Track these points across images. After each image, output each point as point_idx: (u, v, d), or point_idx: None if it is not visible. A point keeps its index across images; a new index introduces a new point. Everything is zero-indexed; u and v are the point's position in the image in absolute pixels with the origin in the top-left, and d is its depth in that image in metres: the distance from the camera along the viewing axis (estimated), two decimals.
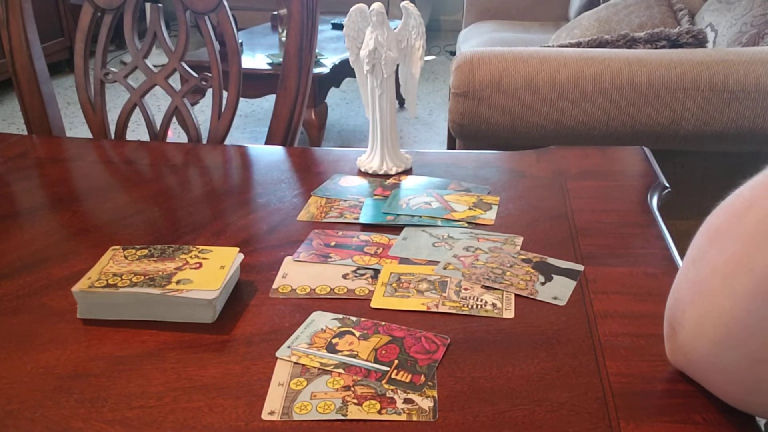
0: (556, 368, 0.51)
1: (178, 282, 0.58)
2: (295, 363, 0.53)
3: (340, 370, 0.51)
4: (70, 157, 0.99)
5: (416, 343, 0.54)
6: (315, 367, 0.52)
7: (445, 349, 0.54)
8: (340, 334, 0.56)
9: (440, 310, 0.59)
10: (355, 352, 0.53)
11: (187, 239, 0.72)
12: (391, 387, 0.50)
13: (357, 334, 0.56)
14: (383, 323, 0.57)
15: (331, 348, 0.54)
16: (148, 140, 1.12)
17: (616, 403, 0.47)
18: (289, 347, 0.55)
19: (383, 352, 0.53)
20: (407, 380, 0.50)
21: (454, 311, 0.59)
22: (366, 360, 0.53)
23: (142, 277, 0.59)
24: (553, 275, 0.64)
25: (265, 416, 0.47)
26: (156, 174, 0.92)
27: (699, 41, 1.68)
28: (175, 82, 1.10)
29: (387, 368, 0.52)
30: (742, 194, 0.44)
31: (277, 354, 0.54)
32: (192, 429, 0.46)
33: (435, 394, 0.49)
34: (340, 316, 0.58)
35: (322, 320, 0.58)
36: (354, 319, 0.58)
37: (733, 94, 1.45)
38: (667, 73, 1.47)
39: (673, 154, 1.56)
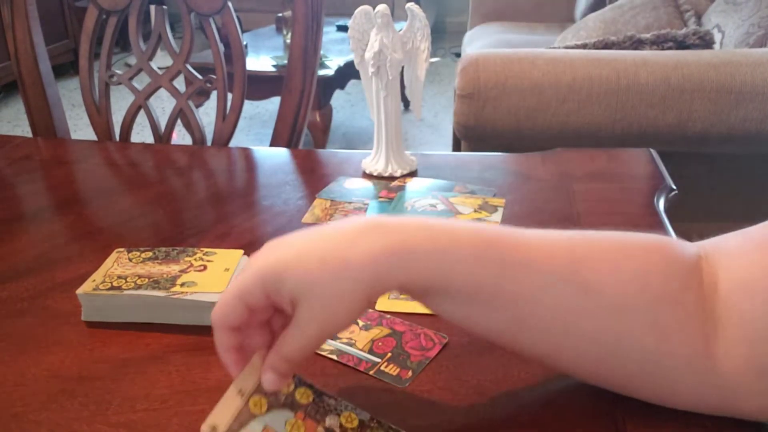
0: None
1: (182, 284, 0.58)
2: None
3: (308, 400, 0.43)
4: (75, 160, 0.99)
5: (414, 339, 0.55)
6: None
7: (440, 348, 0.54)
8: None
9: None
10: (353, 341, 0.54)
11: (192, 241, 0.72)
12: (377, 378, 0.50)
13: (360, 323, 0.57)
14: (389, 316, 0.58)
15: None
16: (153, 142, 1.12)
17: (623, 406, 0.47)
18: None
19: (380, 344, 0.54)
20: (395, 373, 0.51)
21: None
22: (361, 350, 0.53)
23: (147, 280, 0.59)
24: None
25: (204, 429, 0.39)
26: (160, 176, 0.92)
27: (706, 42, 1.67)
28: (179, 84, 1.10)
29: (379, 360, 0.52)
30: None
31: None
32: None
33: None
34: None
35: None
36: None
37: (741, 95, 1.44)
38: (673, 75, 1.47)
39: (679, 156, 1.55)
